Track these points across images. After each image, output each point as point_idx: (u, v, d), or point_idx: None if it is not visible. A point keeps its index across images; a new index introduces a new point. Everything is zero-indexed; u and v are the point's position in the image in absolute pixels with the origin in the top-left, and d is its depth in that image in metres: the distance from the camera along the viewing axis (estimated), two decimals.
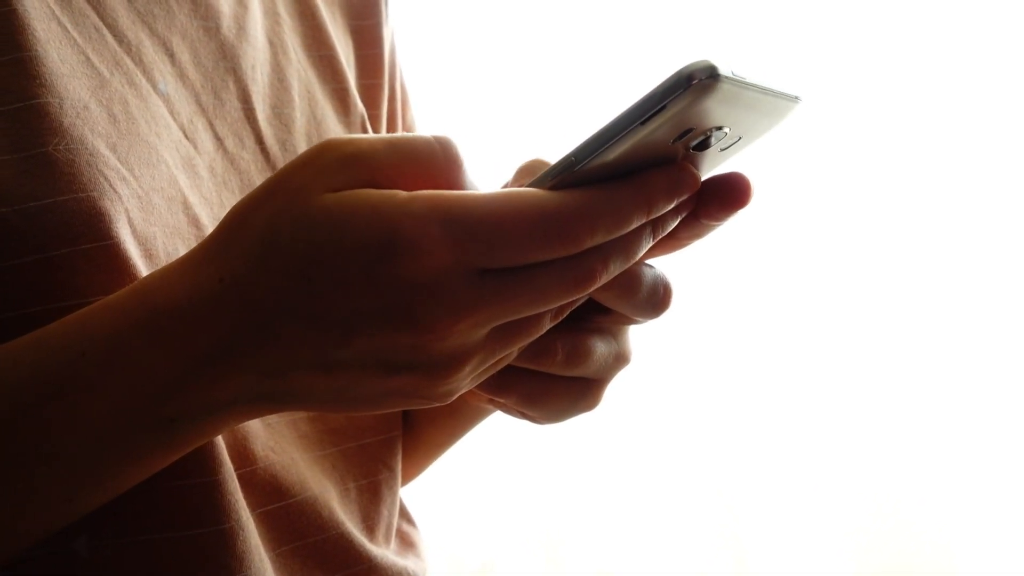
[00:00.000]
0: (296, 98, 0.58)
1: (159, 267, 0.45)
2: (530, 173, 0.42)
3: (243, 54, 0.56)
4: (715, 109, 0.35)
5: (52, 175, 0.43)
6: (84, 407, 0.38)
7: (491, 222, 0.34)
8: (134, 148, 0.47)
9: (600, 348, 0.44)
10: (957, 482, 1.39)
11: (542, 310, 0.37)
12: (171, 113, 0.50)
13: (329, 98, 0.61)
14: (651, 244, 0.38)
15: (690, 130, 0.36)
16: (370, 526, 0.56)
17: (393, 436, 0.59)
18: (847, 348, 1.44)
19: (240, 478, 0.47)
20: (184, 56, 0.52)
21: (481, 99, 1.50)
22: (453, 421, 0.64)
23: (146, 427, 0.39)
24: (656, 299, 0.43)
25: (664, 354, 1.40)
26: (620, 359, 0.46)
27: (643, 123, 0.34)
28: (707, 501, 1.47)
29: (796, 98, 0.38)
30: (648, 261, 0.43)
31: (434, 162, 0.36)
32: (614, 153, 0.35)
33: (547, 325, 0.39)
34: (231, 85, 0.54)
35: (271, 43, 0.59)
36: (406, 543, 0.61)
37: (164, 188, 0.48)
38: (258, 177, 0.54)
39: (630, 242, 0.37)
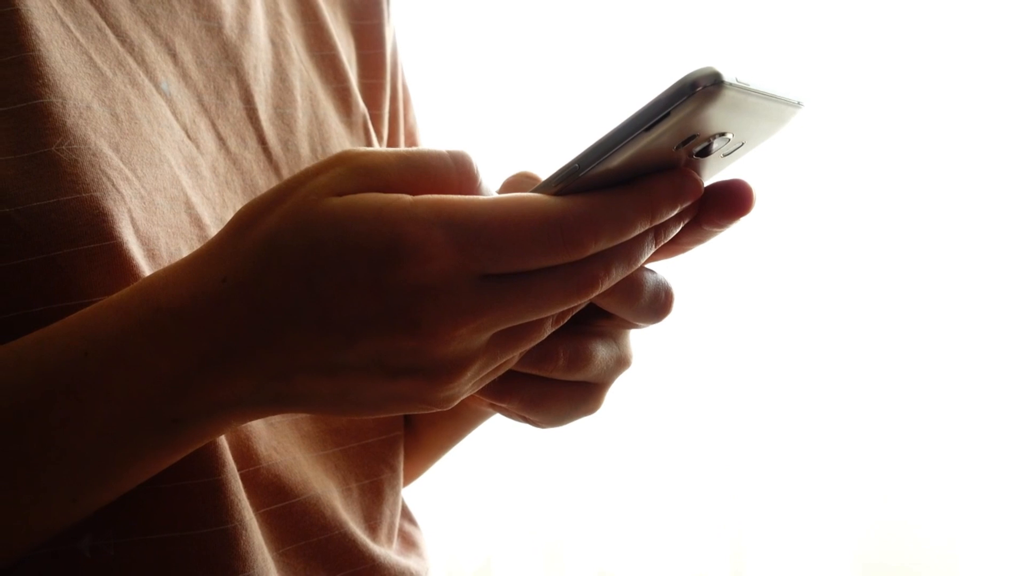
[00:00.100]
0: (298, 98, 0.58)
1: (162, 267, 0.45)
2: (515, 187, 0.42)
3: (245, 54, 0.56)
4: (719, 116, 0.35)
5: (55, 175, 0.43)
6: (87, 407, 0.38)
7: (495, 227, 0.34)
8: (137, 148, 0.47)
9: (601, 352, 0.44)
10: (959, 482, 1.39)
11: (544, 316, 0.37)
12: (174, 113, 0.50)
13: (331, 98, 0.61)
14: (653, 250, 0.39)
15: (693, 136, 0.36)
16: (373, 526, 0.56)
17: (395, 436, 0.59)
18: (847, 349, 1.44)
19: (243, 478, 0.47)
20: (187, 56, 0.52)
21: (482, 100, 1.50)
22: (454, 423, 0.64)
23: (149, 427, 0.39)
24: (658, 304, 0.43)
25: (665, 357, 1.40)
26: (621, 363, 0.46)
27: (647, 130, 0.34)
28: (707, 501, 1.48)
29: (799, 103, 0.38)
30: (649, 266, 0.43)
31: (447, 178, 0.36)
32: (617, 160, 0.35)
33: (548, 330, 0.39)
34: (233, 85, 0.55)
35: (273, 43, 0.59)
36: (408, 543, 0.61)
37: (167, 188, 0.48)
38: (260, 177, 0.54)
39: (632, 248, 0.37)
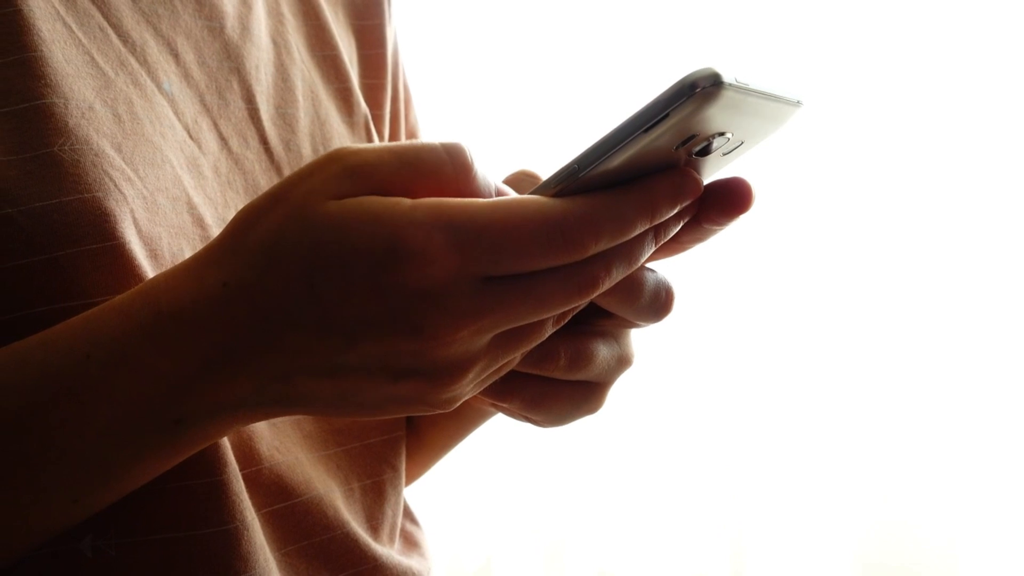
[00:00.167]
0: (300, 98, 0.58)
1: (164, 267, 0.45)
2: (515, 185, 0.42)
3: (247, 54, 0.56)
4: (718, 116, 0.35)
5: (57, 175, 0.43)
6: (90, 408, 0.38)
7: (495, 230, 0.34)
8: (139, 148, 0.47)
9: (602, 352, 0.45)
10: (959, 482, 1.39)
11: (545, 316, 0.37)
12: (175, 113, 0.51)
13: (333, 98, 0.61)
14: (653, 249, 0.39)
15: (693, 136, 0.36)
16: (375, 526, 0.56)
17: (397, 436, 0.59)
18: (848, 349, 1.44)
19: (245, 478, 0.47)
20: (188, 56, 0.53)
21: (483, 100, 1.50)
22: (456, 423, 0.64)
23: (151, 429, 0.39)
24: (658, 303, 0.43)
25: (666, 356, 1.40)
26: (622, 362, 0.46)
27: (647, 131, 0.34)
28: (707, 501, 1.48)
29: (798, 102, 0.38)
30: (650, 265, 0.44)
31: (442, 171, 0.36)
32: (617, 160, 0.35)
33: (549, 330, 0.39)
34: (235, 85, 0.55)
35: (275, 43, 0.59)
36: (410, 543, 0.61)
37: (169, 188, 0.48)
38: (262, 177, 0.54)
39: (633, 248, 0.37)
